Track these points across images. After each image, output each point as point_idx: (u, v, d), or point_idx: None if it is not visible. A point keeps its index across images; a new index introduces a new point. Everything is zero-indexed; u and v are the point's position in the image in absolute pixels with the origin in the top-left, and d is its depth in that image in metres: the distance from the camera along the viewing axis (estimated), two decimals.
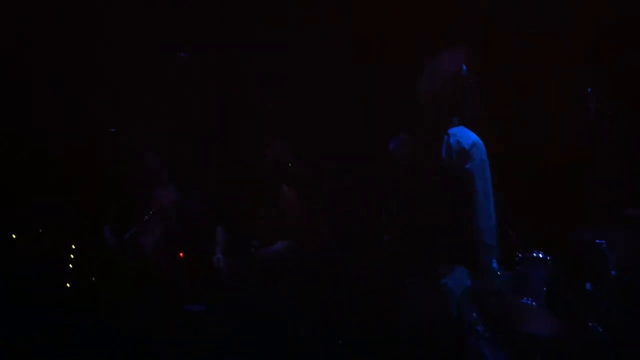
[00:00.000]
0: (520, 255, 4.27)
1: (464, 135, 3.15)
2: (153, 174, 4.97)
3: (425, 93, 3.22)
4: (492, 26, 4.99)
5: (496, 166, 4.66)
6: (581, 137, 4.21)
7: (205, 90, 5.47)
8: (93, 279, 5.05)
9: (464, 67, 3.24)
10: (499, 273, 3.16)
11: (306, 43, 5.32)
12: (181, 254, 4.78)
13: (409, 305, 3.16)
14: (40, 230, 5.26)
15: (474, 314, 4.13)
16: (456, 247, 3.10)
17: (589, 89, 3.99)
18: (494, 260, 3.10)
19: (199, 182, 5.25)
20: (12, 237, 5.22)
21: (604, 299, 3.96)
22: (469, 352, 3.34)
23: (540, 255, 4.23)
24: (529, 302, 4.17)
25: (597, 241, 3.92)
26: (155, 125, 5.41)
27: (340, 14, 5.20)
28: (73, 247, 5.16)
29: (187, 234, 4.85)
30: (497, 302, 3.27)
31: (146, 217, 4.88)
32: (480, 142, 3.14)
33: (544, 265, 4.21)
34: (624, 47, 4.62)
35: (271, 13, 5.40)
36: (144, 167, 5.03)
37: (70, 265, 5.16)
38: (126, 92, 5.53)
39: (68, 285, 5.10)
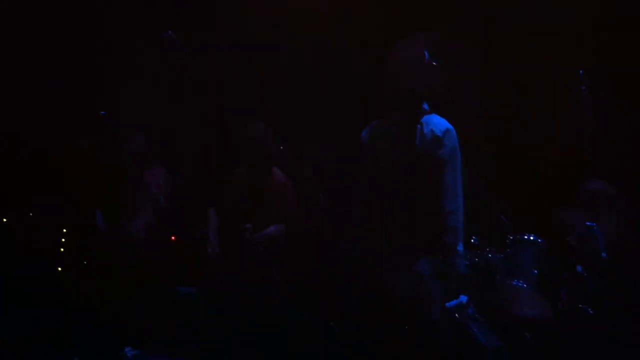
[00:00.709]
0: (511, 237, 4.29)
1: (437, 123, 3.19)
2: (142, 157, 4.95)
3: (391, 83, 3.24)
4: (491, 25, 4.98)
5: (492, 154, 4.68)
6: (575, 130, 4.21)
7: (200, 76, 5.45)
8: (84, 264, 5.05)
9: (426, 53, 3.24)
10: (463, 256, 3.22)
11: (305, 41, 5.31)
12: (173, 238, 4.79)
13: (387, 287, 3.21)
14: (31, 214, 5.26)
15: (464, 297, 4.18)
16: (428, 232, 3.15)
17: (583, 87, 3.97)
18: (460, 244, 3.15)
19: (190, 166, 5.24)
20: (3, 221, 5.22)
21: (594, 281, 3.98)
22: (459, 333, 3.38)
23: (531, 238, 4.25)
24: (520, 284, 4.20)
25: (588, 223, 3.93)
26: (146, 108, 5.38)
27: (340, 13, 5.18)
28: (64, 231, 5.16)
29: (178, 217, 4.85)
30: (463, 285, 3.34)
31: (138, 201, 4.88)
32: (453, 129, 3.19)
33: (534, 248, 4.24)
34: (622, 43, 4.62)
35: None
36: (132, 151, 5.01)
37: (62, 251, 5.16)
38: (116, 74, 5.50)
39: (59, 270, 5.10)
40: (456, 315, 3.85)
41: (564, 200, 4.33)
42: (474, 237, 4.37)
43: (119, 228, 4.90)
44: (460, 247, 3.22)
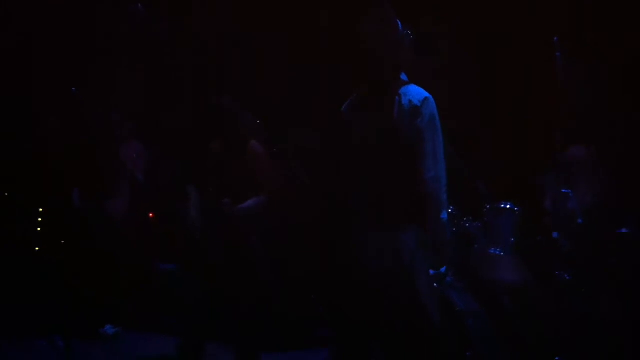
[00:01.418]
0: (488, 206, 4.32)
1: (415, 93, 3.17)
2: (117, 132, 4.89)
3: (367, 53, 3.21)
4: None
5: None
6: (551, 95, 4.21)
7: (177, 53, 5.39)
8: (62, 243, 5.03)
9: (399, 22, 3.22)
10: (447, 224, 3.23)
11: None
12: (151, 215, 4.76)
13: (365, 258, 3.21)
14: (6, 194, 5.20)
15: (443, 267, 4.21)
16: (409, 203, 3.15)
17: (557, 54, 3.96)
18: (444, 212, 3.15)
19: (167, 141, 5.20)
20: None
21: (570, 247, 4.03)
22: (435, 304, 3.40)
23: (508, 206, 4.29)
24: (497, 252, 4.24)
25: (564, 190, 3.96)
26: (124, 85, 5.32)
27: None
28: (41, 211, 5.12)
29: (155, 193, 4.82)
30: (452, 252, 3.35)
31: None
32: (431, 97, 3.17)
33: (511, 216, 4.27)
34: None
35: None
36: (107, 126, 4.95)
37: (39, 230, 5.12)
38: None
39: (37, 249, 5.07)
40: (435, 284, 3.89)
41: (540, 167, 4.36)
42: (451, 207, 4.40)
43: (97, 206, 4.87)
44: (444, 215, 3.21)
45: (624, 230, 3.98)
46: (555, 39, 4.01)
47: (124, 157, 4.86)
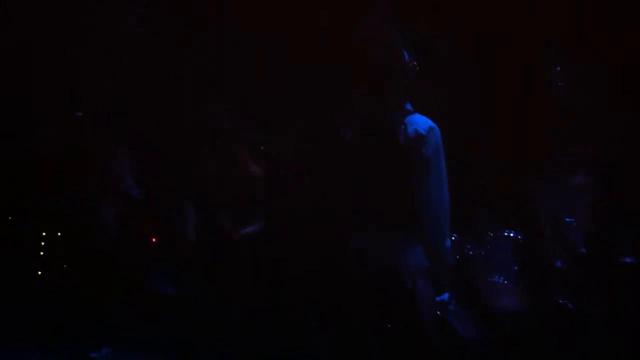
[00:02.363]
0: (490, 234, 4.32)
1: (421, 122, 3.20)
2: (107, 140, 4.82)
3: (364, 60, 3.22)
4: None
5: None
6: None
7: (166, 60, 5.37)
8: (53, 252, 4.97)
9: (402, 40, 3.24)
10: (451, 251, 3.25)
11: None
12: (141, 223, 4.70)
13: (365, 258, 3.22)
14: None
15: (446, 295, 4.21)
16: (412, 228, 3.17)
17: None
18: (448, 239, 3.18)
19: (158, 147, 5.15)
20: None
21: (573, 276, 4.03)
22: (435, 327, 3.40)
23: (511, 234, 4.29)
24: (500, 280, 4.24)
25: (567, 219, 3.97)
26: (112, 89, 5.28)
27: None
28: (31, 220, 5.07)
29: (147, 201, 4.76)
30: (451, 279, 3.37)
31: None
32: (436, 127, 3.20)
33: (513, 244, 4.27)
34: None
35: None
36: (97, 130, 4.89)
37: (29, 239, 5.07)
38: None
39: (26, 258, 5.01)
40: (438, 312, 3.88)
41: (544, 193, 4.36)
42: (454, 235, 4.40)
43: (87, 214, 4.79)
44: (448, 243, 3.24)
45: (628, 259, 3.99)
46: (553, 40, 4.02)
47: (114, 166, 4.81)
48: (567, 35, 4.37)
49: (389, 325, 3.26)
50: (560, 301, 3.98)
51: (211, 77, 5.34)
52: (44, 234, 5.18)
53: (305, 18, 5.20)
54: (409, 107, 3.29)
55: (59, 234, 5.13)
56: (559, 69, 4.04)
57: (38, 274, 5.10)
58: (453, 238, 4.39)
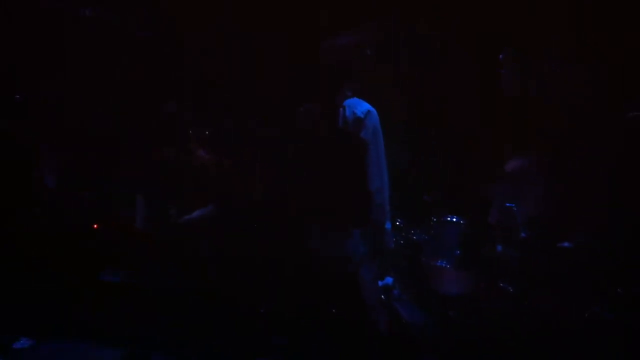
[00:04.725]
0: (434, 219, 4.37)
1: (358, 105, 3.26)
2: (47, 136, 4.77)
3: (321, 65, 3.31)
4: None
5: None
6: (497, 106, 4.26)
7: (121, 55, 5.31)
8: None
9: (362, 42, 3.30)
10: (391, 233, 3.31)
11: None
12: (95, 226, 4.70)
13: (312, 264, 3.28)
14: None
15: (390, 279, 4.27)
16: (353, 211, 3.22)
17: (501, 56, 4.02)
18: (388, 221, 3.24)
19: (112, 148, 5.11)
20: None
21: (513, 260, 4.09)
22: (380, 311, 3.46)
23: (454, 219, 4.34)
24: (443, 264, 4.29)
25: (507, 204, 4.02)
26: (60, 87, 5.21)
27: None
28: None
29: (100, 202, 4.74)
30: (393, 261, 3.45)
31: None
32: (374, 110, 3.28)
33: (457, 228, 4.33)
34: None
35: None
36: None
37: None
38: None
39: None
40: (382, 296, 3.94)
41: (485, 179, 4.40)
42: (399, 220, 4.44)
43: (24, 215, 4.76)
44: (388, 225, 3.29)
45: (565, 244, 4.05)
46: (505, 49, 4.06)
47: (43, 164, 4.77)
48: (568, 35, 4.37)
49: (334, 311, 3.32)
50: (501, 285, 4.03)
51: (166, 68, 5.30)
52: None
53: (301, 16, 5.18)
54: (348, 92, 3.33)
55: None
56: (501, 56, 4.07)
57: None
58: (397, 223, 4.43)
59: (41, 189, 4.78)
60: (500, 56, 4.05)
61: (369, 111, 3.28)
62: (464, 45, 4.89)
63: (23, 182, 4.81)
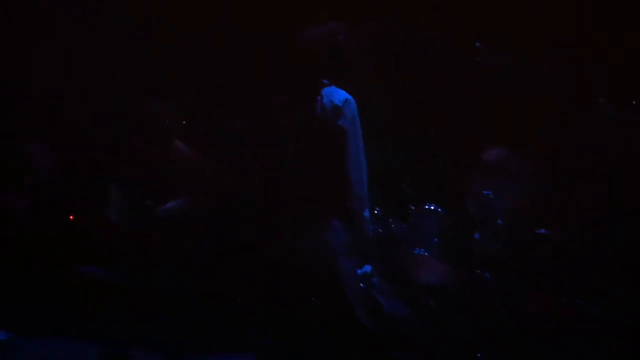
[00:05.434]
0: (413, 207, 4.38)
1: (336, 94, 3.26)
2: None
3: (298, 55, 3.30)
4: None
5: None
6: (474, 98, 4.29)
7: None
8: None
9: (338, 32, 3.31)
10: (370, 222, 3.32)
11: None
12: (71, 217, 4.66)
13: (293, 257, 3.27)
14: None
15: (368, 267, 4.27)
16: (332, 201, 3.22)
17: (477, 58, 4.05)
18: (367, 210, 3.24)
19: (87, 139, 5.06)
20: None
21: (491, 247, 4.11)
22: (362, 303, 3.45)
23: (432, 207, 4.35)
24: (422, 253, 4.31)
25: (485, 192, 4.04)
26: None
27: None
28: None
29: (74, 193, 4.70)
30: (372, 250, 3.44)
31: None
32: (352, 99, 3.26)
33: (435, 217, 4.34)
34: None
35: None
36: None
37: None
38: None
39: None
40: (361, 284, 3.94)
41: (463, 169, 4.43)
42: (377, 209, 4.44)
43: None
44: (366, 214, 3.30)
45: (542, 231, 4.09)
46: (478, 44, 4.11)
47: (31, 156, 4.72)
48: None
49: (314, 300, 3.31)
50: (479, 272, 4.06)
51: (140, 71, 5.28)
52: None
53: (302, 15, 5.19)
54: (325, 81, 3.33)
55: None
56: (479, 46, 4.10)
57: None
58: (376, 212, 4.44)
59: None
60: (477, 44, 4.08)
61: (347, 99, 3.29)
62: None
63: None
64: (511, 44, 4.67)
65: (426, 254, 4.33)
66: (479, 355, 3.89)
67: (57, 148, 4.82)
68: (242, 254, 5.06)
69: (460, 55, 4.62)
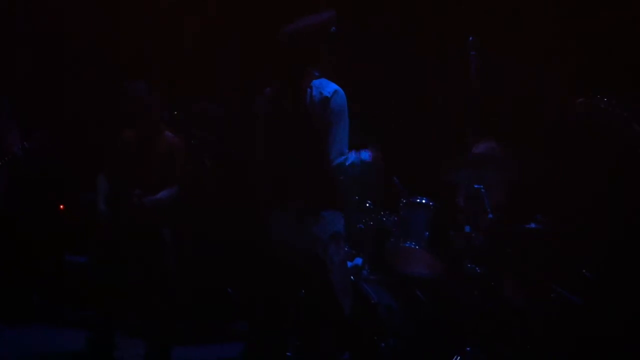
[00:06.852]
0: (404, 200, 4.38)
1: (325, 85, 3.26)
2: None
3: (286, 44, 3.29)
4: None
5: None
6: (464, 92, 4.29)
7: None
8: None
9: (329, 23, 3.30)
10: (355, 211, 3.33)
11: None
12: (61, 207, 4.61)
13: (277, 249, 3.26)
14: None
15: (359, 259, 4.26)
16: (320, 192, 3.22)
17: (472, 52, 4.04)
18: (353, 200, 3.25)
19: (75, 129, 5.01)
20: None
21: (480, 241, 4.12)
22: (349, 294, 3.46)
23: (423, 201, 4.36)
24: (412, 246, 4.31)
25: (475, 185, 4.04)
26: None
27: None
28: None
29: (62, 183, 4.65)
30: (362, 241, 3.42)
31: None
32: (341, 90, 3.26)
33: (425, 210, 4.35)
34: None
35: None
36: None
37: None
38: None
39: None
40: (351, 277, 3.94)
41: (453, 162, 4.43)
42: (368, 202, 4.44)
43: None
44: (353, 204, 3.29)
45: (532, 225, 4.10)
46: (471, 38, 4.10)
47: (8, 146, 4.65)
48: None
49: (302, 292, 3.30)
50: (469, 265, 4.06)
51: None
52: None
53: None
54: (315, 73, 3.31)
55: None
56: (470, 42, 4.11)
57: None
58: (367, 205, 4.43)
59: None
60: (470, 38, 4.07)
61: (336, 91, 3.29)
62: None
63: None
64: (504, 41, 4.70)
65: (416, 246, 4.34)
66: (468, 349, 3.91)
67: (43, 136, 4.76)
68: (231, 245, 5.05)
69: (452, 49, 4.62)
